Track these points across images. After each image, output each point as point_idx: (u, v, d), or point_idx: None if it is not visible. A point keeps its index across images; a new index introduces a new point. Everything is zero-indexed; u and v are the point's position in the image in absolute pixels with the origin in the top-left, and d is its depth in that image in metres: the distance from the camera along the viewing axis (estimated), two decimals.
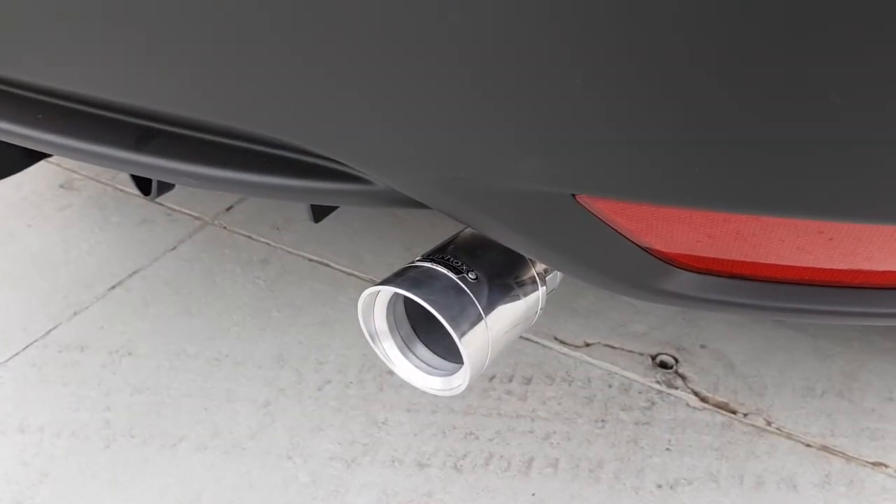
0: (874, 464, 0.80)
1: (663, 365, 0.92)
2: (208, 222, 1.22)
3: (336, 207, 0.59)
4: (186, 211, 1.25)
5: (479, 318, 0.45)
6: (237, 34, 0.35)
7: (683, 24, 0.29)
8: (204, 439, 0.86)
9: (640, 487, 0.78)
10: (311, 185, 0.40)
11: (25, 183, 1.36)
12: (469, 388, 0.89)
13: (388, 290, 0.44)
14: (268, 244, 1.17)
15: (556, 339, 0.97)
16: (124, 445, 0.86)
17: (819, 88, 0.31)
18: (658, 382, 0.90)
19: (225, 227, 1.21)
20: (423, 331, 0.49)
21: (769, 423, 0.85)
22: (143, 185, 0.74)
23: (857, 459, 0.80)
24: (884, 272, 0.39)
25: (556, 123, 0.33)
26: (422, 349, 0.49)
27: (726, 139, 0.31)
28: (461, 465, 0.81)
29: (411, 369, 0.49)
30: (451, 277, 0.44)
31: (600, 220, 0.36)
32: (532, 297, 0.49)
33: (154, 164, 0.43)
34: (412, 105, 0.35)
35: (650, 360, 0.93)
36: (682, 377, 0.91)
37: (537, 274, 0.50)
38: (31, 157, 0.67)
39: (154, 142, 0.42)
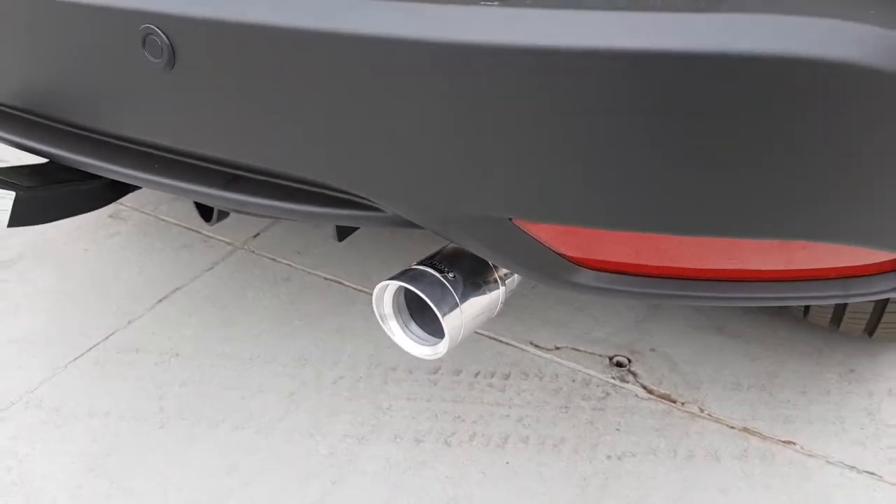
0: (785, 441, 0.99)
1: (618, 364, 1.11)
2: (239, 247, 1.43)
3: (356, 229, 0.80)
4: (220, 238, 1.46)
5: (456, 305, 0.64)
6: (302, 121, 0.54)
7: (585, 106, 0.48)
8: (241, 421, 1.05)
9: (594, 458, 0.97)
10: (342, 213, 0.60)
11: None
12: (458, 381, 1.09)
13: (394, 284, 0.64)
14: (290, 265, 1.37)
15: (531, 343, 1.16)
16: (176, 426, 1.05)
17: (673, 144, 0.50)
18: (613, 378, 1.09)
19: (253, 252, 1.42)
20: (417, 314, 0.69)
21: (702, 411, 1.04)
22: (206, 213, 0.95)
23: (771, 438, 0.99)
24: (723, 269, 0.58)
25: (502, 180, 0.52)
26: (415, 327, 0.69)
27: (597, 188, 0.50)
28: (450, 441, 1.00)
29: (408, 341, 0.69)
30: (436, 276, 0.64)
31: (527, 234, 0.56)
32: (494, 294, 0.69)
33: (237, 199, 0.62)
34: (412, 166, 0.54)
35: (608, 360, 1.12)
36: (634, 374, 1.10)
37: (499, 277, 0.70)
38: (117, 193, 0.88)
39: (237, 184, 0.62)
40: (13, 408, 1.09)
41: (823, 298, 0.60)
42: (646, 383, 1.08)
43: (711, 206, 0.52)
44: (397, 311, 0.68)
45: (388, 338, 0.89)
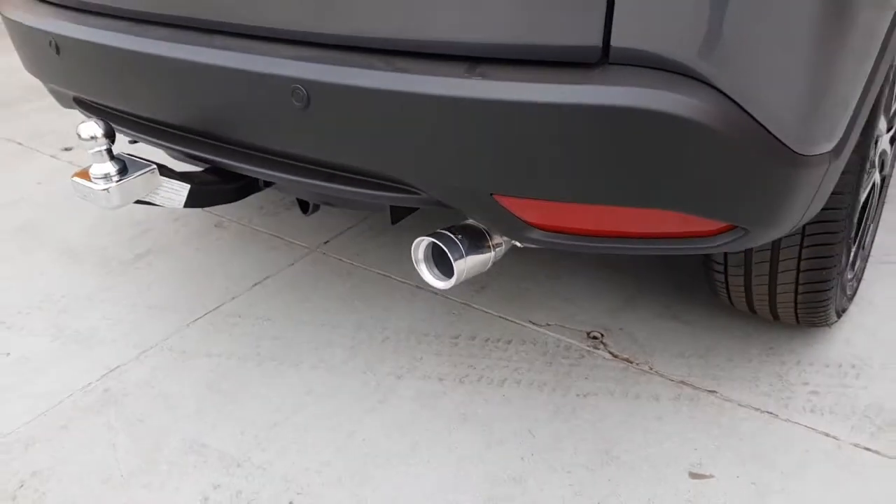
0: (710, 391, 1.34)
1: (593, 337, 1.49)
2: (313, 250, 1.86)
3: (406, 215, 1.21)
4: (299, 243, 1.89)
5: (462, 257, 1.04)
6: (381, 137, 0.95)
7: None
8: (315, 363, 1.46)
9: (566, 394, 1.34)
10: (399, 196, 1.01)
11: (192, 223, 2.04)
12: (473, 344, 1.48)
13: (427, 240, 1.04)
14: (352, 264, 1.79)
15: (529, 321, 1.54)
16: (268, 365, 1.46)
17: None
18: (588, 346, 1.46)
19: (324, 253, 1.84)
20: (438, 261, 1.09)
21: (651, 369, 1.40)
22: (304, 207, 1.38)
23: (700, 388, 1.35)
24: (615, 230, 0.95)
25: (487, 171, 0.92)
26: (435, 269, 1.08)
27: (535, 178, 0.89)
28: (464, 380, 1.39)
29: (430, 277, 1.08)
30: (452, 237, 1.03)
31: (501, 205, 0.95)
32: (487, 255, 1.07)
33: (335, 188, 1.04)
34: (441, 165, 0.94)
35: (585, 334, 1.50)
36: (604, 344, 1.47)
37: (492, 245, 1.09)
38: (250, 191, 1.31)
39: (334, 179, 1.04)
40: (151, 350, 1.52)
41: (680, 250, 0.97)
42: (612, 350, 1.45)
43: (600, 187, 0.89)
44: (427, 258, 1.08)
45: (423, 320, 1.30)
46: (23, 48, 1.50)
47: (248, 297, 1.69)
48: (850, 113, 0.91)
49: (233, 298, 1.68)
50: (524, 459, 1.21)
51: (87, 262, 1.88)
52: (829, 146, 0.92)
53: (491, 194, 0.95)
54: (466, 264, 1.06)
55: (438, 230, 1.06)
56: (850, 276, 1.41)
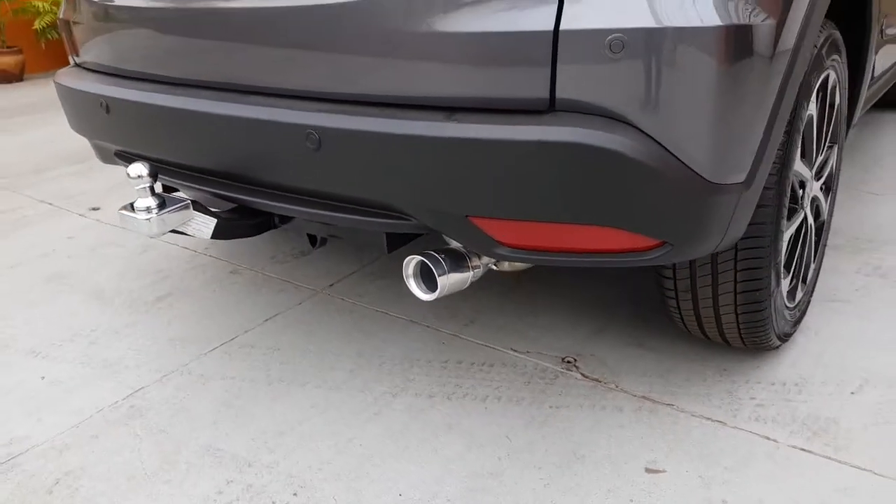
0: (667, 404, 1.51)
1: (567, 361, 1.67)
2: (319, 291, 2.07)
3: (403, 244, 1.41)
4: (306, 286, 2.10)
5: (445, 274, 1.24)
6: (380, 171, 1.17)
7: None
8: (319, 383, 1.63)
9: (541, 407, 1.51)
10: (394, 222, 1.22)
11: (210, 270, 2.25)
12: (460, 367, 1.66)
13: (417, 258, 1.25)
14: (354, 303, 1.99)
15: (511, 349, 1.73)
16: (277, 385, 1.64)
17: None
18: (562, 369, 1.64)
19: (329, 294, 2.05)
20: (424, 277, 1.29)
21: (616, 387, 1.57)
22: (312, 240, 1.59)
23: (659, 402, 1.52)
24: (561, 246, 1.15)
25: (462, 200, 1.13)
26: (423, 284, 1.28)
27: (491, 204, 1.10)
28: (451, 396, 1.56)
29: (417, 290, 1.28)
30: (438, 258, 1.24)
31: (475, 225, 1.15)
32: (466, 275, 1.27)
33: (339, 218, 1.25)
34: (427, 195, 1.15)
35: (560, 359, 1.68)
36: (577, 367, 1.65)
37: (471, 266, 1.29)
38: (269, 227, 1.52)
39: (337, 209, 1.25)
40: (172, 374, 1.70)
41: (622, 263, 1.16)
42: (583, 372, 1.63)
43: (552, 207, 1.10)
44: (416, 274, 1.29)
45: (416, 348, 1.49)
46: (74, 110, 1.75)
47: (259, 330, 1.88)
48: (752, 152, 1.13)
49: (246, 332, 1.88)
50: (501, 459, 1.37)
51: (114, 303, 2.08)
52: (739, 178, 1.13)
53: (466, 216, 1.16)
54: (448, 280, 1.26)
55: (426, 251, 1.27)
56: (790, 305, 1.60)
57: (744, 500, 1.25)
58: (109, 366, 1.75)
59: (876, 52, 2.03)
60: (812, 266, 1.75)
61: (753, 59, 1.06)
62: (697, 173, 1.07)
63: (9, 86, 6.83)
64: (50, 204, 3.02)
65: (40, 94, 6.11)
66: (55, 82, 1.84)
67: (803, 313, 1.71)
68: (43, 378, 1.71)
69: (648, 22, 0.99)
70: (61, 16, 1.85)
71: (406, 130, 1.12)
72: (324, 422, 1.50)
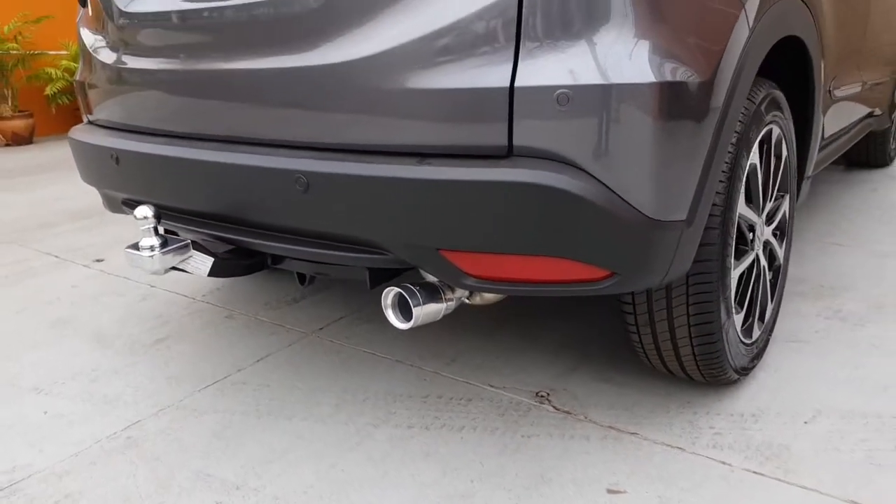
0: (631, 433, 1.61)
1: (540, 396, 1.77)
2: (309, 334, 2.18)
3: (385, 279, 1.54)
4: (297, 328, 2.21)
5: (420, 305, 1.36)
6: (361, 209, 1.31)
7: None
8: (305, 416, 1.73)
9: (514, 436, 1.61)
10: (373, 257, 1.34)
11: (206, 315, 2.37)
12: (439, 401, 1.77)
13: (395, 289, 1.37)
14: (342, 344, 2.10)
15: (489, 384, 1.83)
16: (266, 418, 1.74)
17: None
18: (535, 402, 1.74)
19: (319, 337, 2.16)
20: (401, 308, 1.41)
21: (585, 418, 1.67)
22: (301, 279, 1.72)
23: (624, 431, 1.61)
24: (517, 277, 1.27)
25: (434, 236, 1.26)
26: (399, 314, 1.40)
27: (454, 240, 1.23)
28: (429, 427, 1.66)
29: (394, 319, 1.40)
30: (414, 290, 1.36)
31: (446, 258, 1.28)
32: (440, 306, 1.39)
33: (325, 254, 1.38)
34: (403, 232, 1.29)
35: (534, 394, 1.78)
36: (549, 400, 1.75)
37: (445, 299, 1.42)
38: (262, 266, 1.65)
39: (323, 246, 1.38)
40: (167, 408, 1.80)
41: (578, 291, 1.28)
42: (555, 405, 1.73)
43: (513, 239, 1.24)
44: (394, 304, 1.41)
45: (399, 385, 1.61)
46: (87, 162, 1.90)
47: (251, 369, 1.99)
48: (690, 194, 1.27)
49: (238, 371, 1.98)
50: (473, 482, 1.47)
51: (115, 345, 2.19)
52: (680, 216, 1.27)
53: (437, 249, 1.29)
54: (422, 311, 1.38)
55: (403, 284, 1.39)
56: (747, 341, 1.71)
57: None
58: (109, 401, 1.85)
59: (825, 112, 2.21)
60: (770, 306, 1.87)
61: (684, 112, 1.22)
62: (640, 210, 1.21)
63: (19, 148, 7.07)
64: (56, 256, 3.16)
65: (48, 156, 6.34)
66: (70, 137, 2.00)
67: (762, 350, 1.82)
68: (45, 412, 1.81)
69: (590, 79, 1.15)
70: (78, 78, 2.03)
71: (384, 173, 1.27)
72: (308, 451, 1.60)
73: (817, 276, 2.50)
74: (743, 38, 1.35)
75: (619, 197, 1.19)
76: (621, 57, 1.17)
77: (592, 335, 2.10)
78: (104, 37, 1.86)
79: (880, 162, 4.25)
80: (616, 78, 1.16)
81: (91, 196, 4.42)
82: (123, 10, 1.75)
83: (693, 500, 1.38)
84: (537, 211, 1.20)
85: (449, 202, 1.23)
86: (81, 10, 2.06)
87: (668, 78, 1.18)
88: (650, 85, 1.16)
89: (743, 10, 1.36)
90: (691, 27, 1.25)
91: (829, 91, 2.22)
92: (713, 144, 1.30)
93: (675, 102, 1.20)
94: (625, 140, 1.17)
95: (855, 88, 2.66)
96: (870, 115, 3.43)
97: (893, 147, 4.40)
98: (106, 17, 1.83)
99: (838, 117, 2.52)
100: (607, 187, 1.19)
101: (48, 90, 7.44)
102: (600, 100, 1.15)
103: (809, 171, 2.15)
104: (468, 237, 1.26)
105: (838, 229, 3.06)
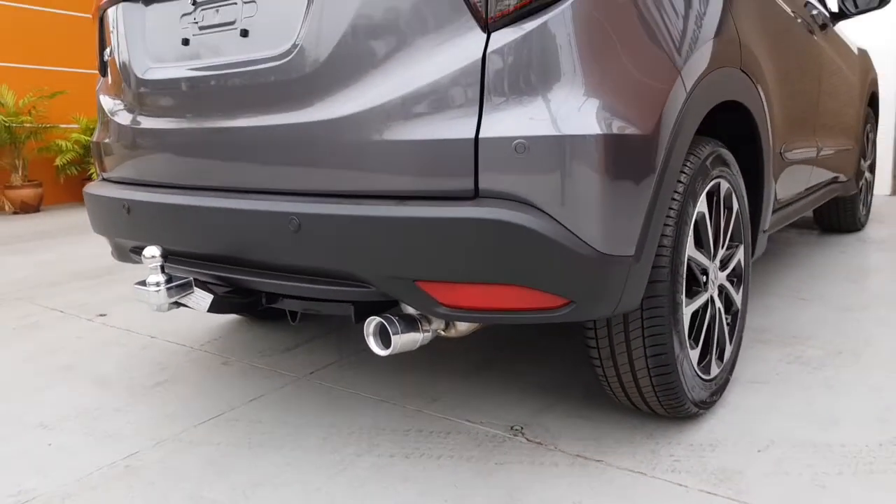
0: (597, 460, 1.72)
1: (515, 429, 1.89)
2: (300, 377, 2.31)
3: (369, 314, 1.69)
4: (289, 373, 2.35)
5: (398, 334, 1.50)
6: (348, 248, 1.48)
7: None
8: (294, 447, 1.85)
9: (487, 463, 1.72)
10: (356, 290, 1.50)
11: (203, 361, 2.50)
12: (420, 434, 1.90)
13: (377, 319, 1.52)
14: (331, 386, 2.23)
15: (467, 419, 1.96)
16: (258, 448, 1.85)
17: None
18: (509, 434, 1.87)
19: (309, 380, 2.29)
20: (382, 336, 1.55)
21: (555, 448, 1.79)
22: (293, 316, 1.87)
23: (590, 458, 1.73)
24: (484, 306, 1.42)
25: (410, 269, 1.43)
26: (380, 341, 1.55)
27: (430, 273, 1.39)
28: (409, 456, 1.78)
29: (375, 347, 1.54)
30: (393, 320, 1.51)
31: (421, 289, 1.43)
32: (417, 336, 1.54)
33: (313, 289, 1.54)
34: (384, 267, 1.45)
35: (509, 427, 1.91)
36: (523, 433, 1.87)
37: (422, 329, 1.56)
38: (258, 305, 1.80)
39: (313, 281, 1.55)
40: (165, 441, 1.92)
41: (538, 319, 1.43)
42: (528, 437, 1.85)
43: (479, 270, 1.40)
44: (375, 333, 1.56)
45: (383, 420, 1.75)
46: (100, 214, 2.09)
47: (245, 408, 2.11)
48: (636, 233, 1.45)
49: (232, 409, 2.11)
50: (447, 501, 1.58)
51: (116, 387, 2.31)
52: (628, 251, 1.44)
53: (414, 281, 1.45)
54: (401, 339, 1.53)
55: (384, 314, 1.55)
56: (706, 377, 1.85)
57: None
58: (110, 435, 1.97)
59: (778, 173, 2.41)
60: (729, 347, 2.02)
61: (626, 161, 1.40)
62: (591, 245, 1.38)
63: (26, 216, 7.30)
64: (61, 311, 3.31)
65: (54, 224, 6.55)
66: (85, 192, 2.19)
67: (721, 387, 1.96)
68: (49, 444, 1.93)
69: (543, 130, 1.34)
70: (94, 139, 2.24)
71: (367, 212, 1.45)
72: (295, 476, 1.71)
73: (782, 327, 2.65)
74: (680, 101, 1.55)
75: (572, 233, 1.37)
76: (571, 112, 1.36)
77: (569, 380, 2.23)
78: (122, 101, 2.08)
79: (851, 227, 4.45)
80: (566, 130, 1.35)
81: (95, 259, 4.61)
82: (141, 77, 1.96)
83: None
84: (501, 244, 1.37)
85: (424, 238, 1.41)
86: (101, 80, 2.29)
87: (612, 131, 1.37)
88: (595, 136, 1.35)
89: (679, 77, 1.56)
90: (633, 88, 1.46)
91: (781, 153, 2.43)
92: (655, 191, 1.48)
93: (618, 152, 1.39)
94: (574, 183, 1.35)
95: (809, 153, 2.88)
96: (834, 180, 3.66)
97: (864, 213, 4.63)
98: (124, 85, 2.05)
99: (794, 180, 2.73)
100: (561, 224, 1.36)
101: (58, 161, 7.73)
102: (552, 149, 1.34)
103: (766, 225, 2.33)
104: (441, 269, 1.42)
105: (806, 286, 3.23)
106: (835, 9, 3.60)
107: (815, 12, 3.02)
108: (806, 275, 3.44)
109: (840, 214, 4.34)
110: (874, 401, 2.00)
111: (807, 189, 3.08)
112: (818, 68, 2.97)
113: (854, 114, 3.90)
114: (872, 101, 4.53)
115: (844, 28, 4.99)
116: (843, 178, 3.80)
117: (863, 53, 4.26)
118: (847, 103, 3.67)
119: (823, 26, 3.15)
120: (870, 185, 4.75)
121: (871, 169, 4.75)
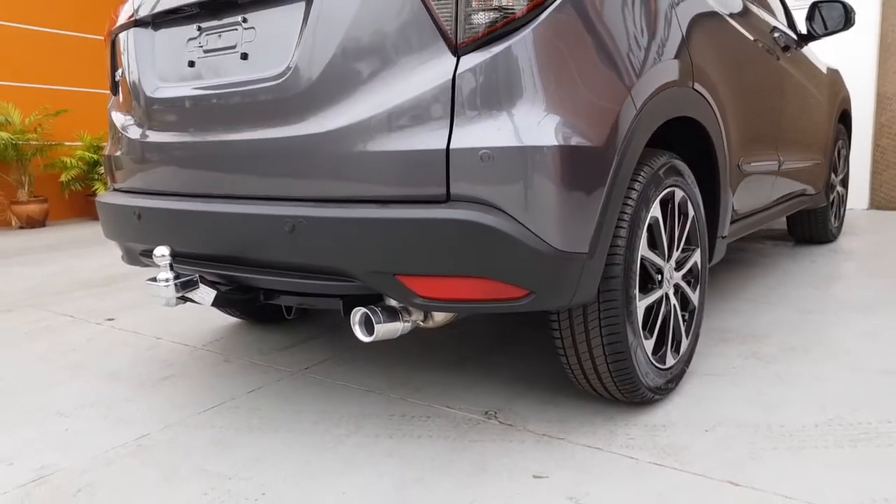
0: (560, 438, 1.92)
1: (489, 414, 2.09)
2: (296, 372, 2.51)
3: (356, 306, 1.89)
4: (286, 368, 2.54)
5: (381, 323, 1.70)
6: (333, 245, 1.69)
7: None
8: (289, 429, 2.04)
9: (462, 440, 1.92)
10: (342, 284, 1.70)
11: (206, 359, 2.70)
12: (403, 418, 2.10)
13: (362, 309, 1.72)
14: (324, 379, 2.43)
15: (447, 406, 2.15)
16: (256, 431, 2.05)
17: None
18: (484, 418, 2.06)
19: (304, 375, 2.49)
20: (367, 325, 1.75)
21: (524, 428, 1.98)
22: (288, 311, 2.07)
23: (554, 437, 1.92)
24: (458, 297, 1.62)
25: (390, 263, 1.63)
26: (364, 330, 1.75)
27: (410, 267, 1.60)
28: (393, 436, 1.97)
29: (360, 334, 1.74)
30: (376, 309, 1.71)
31: (401, 282, 1.62)
32: (398, 325, 1.74)
33: (305, 283, 1.74)
34: (366, 262, 1.66)
35: (484, 412, 2.10)
36: (496, 417, 2.07)
37: (402, 320, 1.76)
38: (252, 303, 2.00)
39: (304, 276, 1.74)
40: (172, 425, 2.11)
41: (505, 308, 1.63)
42: (500, 420, 2.05)
43: (450, 264, 1.60)
44: (360, 322, 1.76)
45: (370, 407, 1.94)
46: (113, 221, 2.29)
47: (244, 398, 2.31)
48: (589, 233, 1.65)
49: (233, 399, 2.30)
50: (425, 471, 1.77)
51: (127, 381, 2.51)
52: (583, 249, 1.64)
53: (394, 275, 1.66)
54: (383, 328, 1.73)
55: (369, 306, 1.75)
56: (661, 367, 2.05)
57: (604, 492, 1.64)
58: (122, 421, 2.16)
59: (735, 183, 2.62)
60: (686, 341, 2.21)
61: (580, 169, 1.61)
62: (549, 243, 1.59)
63: (32, 230, 7.51)
64: (71, 316, 3.50)
65: (60, 237, 6.76)
66: (98, 201, 2.40)
67: (677, 377, 2.15)
68: (66, 430, 2.12)
69: (504, 142, 1.55)
70: (106, 152, 2.45)
71: (353, 214, 1.65)
72: (289, 452, 1.90)
73: (744, 327, 2.85)
74: (630, 116, 1.77)
75: (532, 232, 1.57)
76: (531, 126, 1.57)
77: (541, 370, 2.43)
78: (132, 117, 2.29)
79: (823, 238, 4.66)
80: (527, 141, 1.56)
81: (101, 269, 4.81)
82: (150, 96, 2.18)
83: (601, 482, 1.69)
84: (470, 242, 1.57)
85: (403, 236, 1.61)
86: (113, 98, 2.51)
87: (567, 143, 1.58)
88: (551, 147, 1.56)
89: (630, 95, 1.78)
90: (587, 105, 1.67)
91: (738, 166, 2.64)
92: (607, 195, 1.69)
93: (572, 162, 1.60)
94: (534, 188, 1.56)
95: (770, 166, 3.09)
96: (802, 192, 3.87)
97: (836, 225, 4.84)
98: (135, 103, 2.27)
99: (755, 191, 2.94)
100: (522, 224, 1.57)
101: (63, 177, 7.96)
102: (514, 158, 1.55)
103: (724, 231, 2.54)
104: (418, 264, 1.63)
105: (773, 292, 3.43)
106: (804, 31, 3.84)
107: (777, 35, 3.25)
108: (776, 282, 3.64)
109: (812, 226, 4.55)
110: (818, 390, 2.20)
111: (773, 200, 3.29)
112: (780, 87, 3.19)
113: (822, 130, 4.12)
114: (845, 119, 4.76)
115: (817, 49, 5.24)
116: (811, 190, 4.01)
117: (833, 73, 4.49)
118: (813, 120, 3.89)
119: (786, 48, 3.37)
120: (842, 199, 4.97)
121: (844, 183, 4.97)
